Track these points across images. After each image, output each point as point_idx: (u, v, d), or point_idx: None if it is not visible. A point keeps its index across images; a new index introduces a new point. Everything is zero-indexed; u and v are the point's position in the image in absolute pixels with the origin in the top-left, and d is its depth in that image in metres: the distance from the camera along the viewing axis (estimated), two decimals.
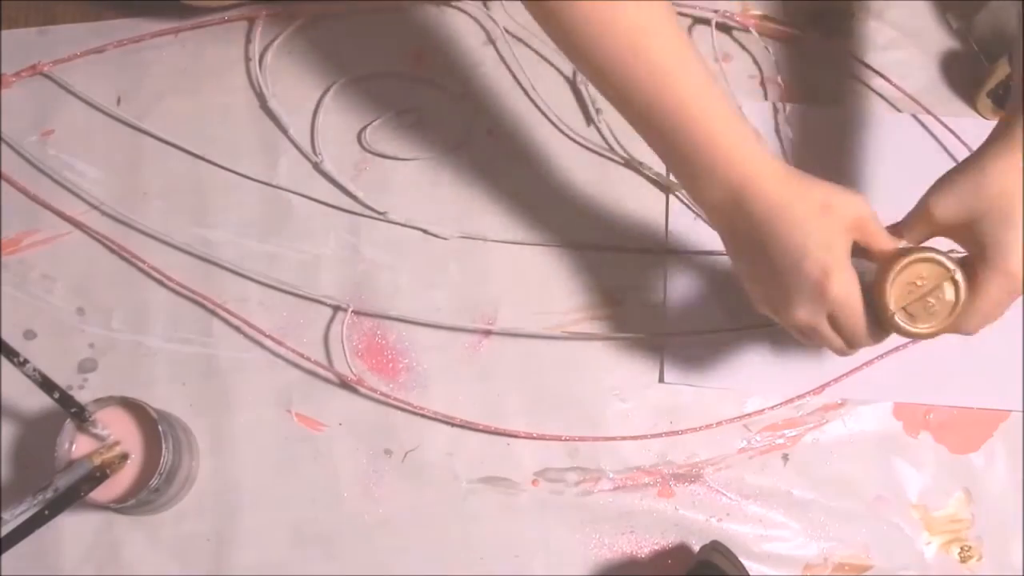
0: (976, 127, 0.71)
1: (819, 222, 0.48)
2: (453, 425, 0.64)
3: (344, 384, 0.64)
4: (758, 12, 0.73)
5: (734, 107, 0.50)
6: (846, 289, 0.48)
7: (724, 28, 0.73)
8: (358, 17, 0.72)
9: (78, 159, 0.68)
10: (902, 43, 0.74)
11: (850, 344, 0.51)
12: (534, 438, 0.64)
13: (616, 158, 0.69)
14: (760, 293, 0.53)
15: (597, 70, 0.51)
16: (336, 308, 0.66)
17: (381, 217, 0.68)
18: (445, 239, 0.68)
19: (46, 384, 0.54)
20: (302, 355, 0.64)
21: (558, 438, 0.64)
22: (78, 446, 0.57)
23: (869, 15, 0.74)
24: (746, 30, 0.72)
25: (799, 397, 0.65)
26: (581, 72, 0.54)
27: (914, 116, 0.72)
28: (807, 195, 0.49)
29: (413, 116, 0.70)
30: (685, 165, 0.51)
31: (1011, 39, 0.70)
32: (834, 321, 0.50)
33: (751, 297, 0.54)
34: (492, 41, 0.72)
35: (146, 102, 0.70)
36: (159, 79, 0.70)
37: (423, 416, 0.64)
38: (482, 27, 0.72)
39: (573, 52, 0.52)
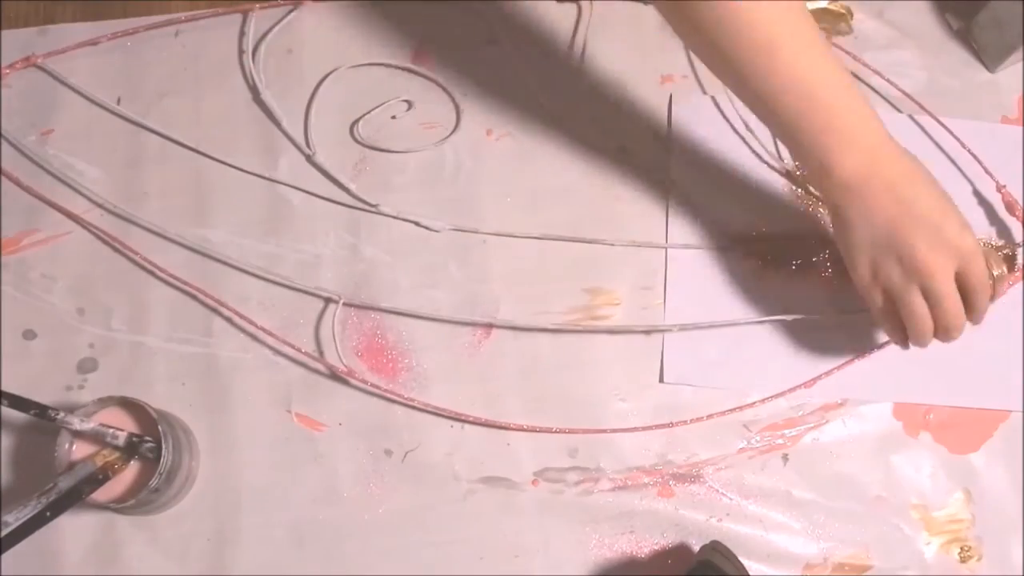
0: (974, 129, 0.71)
1: (944, 191, 0.56)
2: (446, 417, 0.64)
3: (336, 377, 0.64)
4: None
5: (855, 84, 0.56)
6: (978, 245, 0.55)
7: None
8: (357, 10, 0.72)
9: (78, 158, 0.68)
10: (902, 43, 0.74)
11: (953, 316, 0.56)
12: (525, 430, 0.64)
13: (611, 152, 0.70)
14: (889, 258, 0.56)
15: (730, 65, 0.55)
16: (328, 300, 0.66)
17: (372, 209, 0.68)
18: (437, 231, 0.68)
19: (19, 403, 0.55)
20: (296, 348, 0.64)
21: (548, 430, 0.64)
22: (78, 447, 0.57)
23: (868, 15, 0.74)
24: None
25: (791, 390, 0.65)
26: (714, 71, 0.58)
27: (911, 117, 0.72)
28: (923, 165, 0.57)
29: (410, 110, 0.70)
30: (820, 139, 0.55)
31: (1012, 40, 0.70)
32: (961, 279, 0.56)
33: (859, 262, 0.58)
34: (490, 40, 0.72)
35: (146, 102, 0.70)
36: (159, 79, 0.70)
37: (415, 409, 0.64)
38: (480, 24, 0.72)
39: (707, 51, 0.56)
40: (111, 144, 0.69)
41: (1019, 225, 0.69)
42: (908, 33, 0.74)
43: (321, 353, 0.65)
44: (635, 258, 0.68)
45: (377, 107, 0.70)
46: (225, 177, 0.69)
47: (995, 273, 0.59)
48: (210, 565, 0.61)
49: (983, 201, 0.70)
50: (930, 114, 0.71)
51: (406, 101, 0.70)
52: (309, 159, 0.69)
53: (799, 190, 0.70)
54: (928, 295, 0.56)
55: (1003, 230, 0.70)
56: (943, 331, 0.57)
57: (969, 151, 0.70)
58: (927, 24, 0.74)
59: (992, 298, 0.59)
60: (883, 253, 0.56)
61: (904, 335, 0.59)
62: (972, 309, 0.57)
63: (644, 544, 0.63)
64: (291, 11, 0.72)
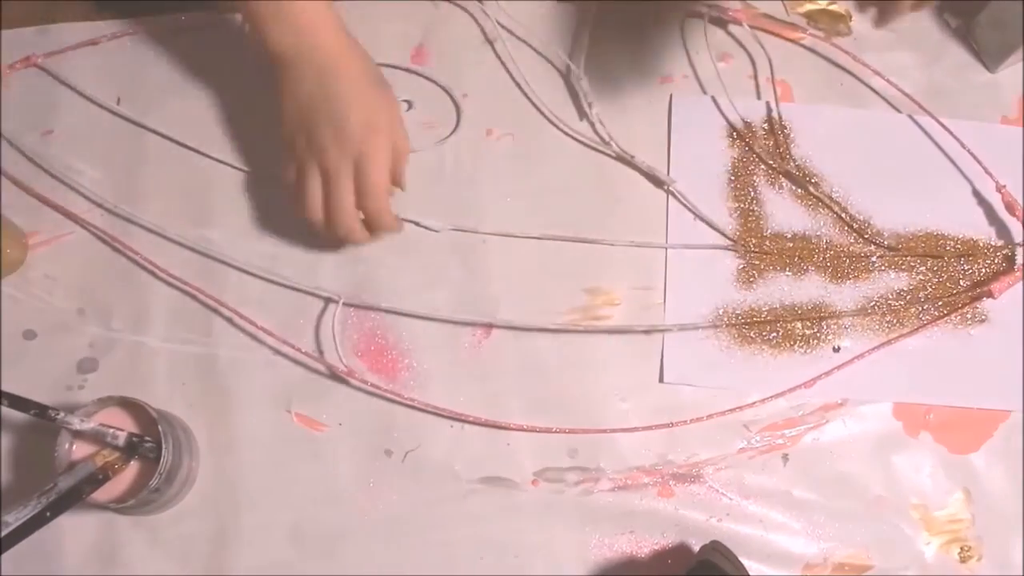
0: (975, 129, 0.71)
1: (374, 89, 0.60)
2: (446, 417, 0.64)
3: (335, 376, 0.64)
4: (756, 10, 0.73)
5: None
6: (381, 144, 0.58)
7: (719, 23, 0.73)
8: (357, 10, 0.72)
9: (78, 159, 0.68)
10: (901, 44, 0.74)
11: (363, 203, 0.60)
12: (524, 430, 0.64)
13: (610, 152, 0.70)
14: (301, 133, 0.60)
15: None
16: (328, 300, 0.66)
17: None
18: (437, 231, 0.68)
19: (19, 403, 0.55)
20: (296, 347, 0.64)
21: (548, 430, 0.64)
22: (78, 447, 0.57)
23: (868, 15, 0.74)
24: (738, 23, 0.72)
25: (791, 390, 0.65)
26: None
27: (910, 117, 0.72)
28: (368, 63, 0.61)
29: (410, 110, 0.70)
30: (258, 8, 0.59)
31: (1012, 40, 0.70)
32: (358, 174, 0.59)
33: (287, 139, 0.61)
34: (490, 40, 0.72)
35: (146, 102, 0.70)
36: (159, 79, 0.70)
37: (416, 409, 0.64)
38: (480, 24, 0.72)
39: None
40: (111, 144, 0.69)
41: (1018, 225, 0.69)
42: (907, 34, 0.74)
43: (321, 353, 0.65)
44: (635, 258, 0.68)
45: None
46: (225, 177, 0.69)
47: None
48: (210, 565, 0.61)
49: (982, 201, 0.70)
50: (931, 115, 0.71)
51: (406, 101, 0.70)
52: None
53: (799, 190, 0.70)
54: (323, 180, 0.59)
55: (1002, 230, 0.70)
56: (330, 219, 0.60)
57: (968, 151, 0.70)
58: (926, 25, 0.74)
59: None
60: (299, 128, 0.60)
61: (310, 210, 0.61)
62: (364, 212, 0.60)
63: (644, 544, 0.63)
64: None
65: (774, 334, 0.67)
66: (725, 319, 0.66)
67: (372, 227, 0.62)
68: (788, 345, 0.66)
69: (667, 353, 0.66)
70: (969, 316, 0.67)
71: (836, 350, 0.66)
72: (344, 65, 0.59)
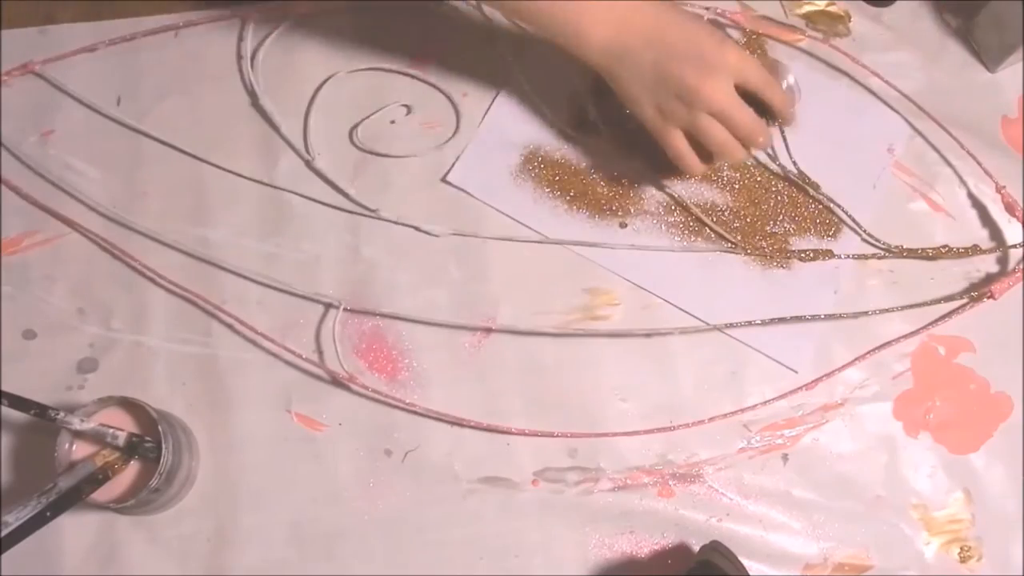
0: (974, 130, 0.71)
1: (693, 25, 0.60)
2: (446, 422, 0.64)
3: (336, 382, 0.64)
4: (755, 12, 0.73)
5: None
6: (742, 52, 0.59)
7: (716, 26, 0.73)
8: (356, 14, 0.72)
9: (78, 159, 0.69)
10: (900, 45, 0.74)
11: (733, 129, 0.60)
12: (526, 434, 0.63)
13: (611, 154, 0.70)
14: (665, 95, 0.60)
15: None
16: (328, 306, 0.66)
17: (372, 215, 0.68)
18: (437, 236, 0.68)
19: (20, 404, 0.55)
20: (297, 354, 0.64)
21: (551, 434, 0.64)
22: (78, 447, 0.57)
23: (867, 16, 0.74)
24: (738, 27, 0.72)
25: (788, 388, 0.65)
26: None
27: (907, 119, 0.72)
28: (670, 10, 0.60)
29: (409, 113, 0.70)
30: (570, 19, 0.59)
31: (1012, 39, 0.70)
32: (744, 88, 0.60)
33: (647, 112, 0.62)
34: (493, 40, 0.72)
35: (146, 103, 0.70)
36: (158, 80, 0.70)
37: (415, 413, 0.64)
38: (481, 24, 0.72)
39: None
40: (111, 144, 0.69)
41: (1017, 225, 0.69)
42: (906, 34, 0.74)
43: (321, 354, 0.65)
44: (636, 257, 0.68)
45: (377, 111, 0.70)
46: (225, 177, 0.69)
47: (789, 81, 0.66)
48: (210, 565, 0.61)
49: (977, 203, 0.70)
50: (930, 116, 0.71)
51: (405, 105, 0.70)
52: (308, 165, 0.69)
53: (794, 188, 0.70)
54: (717, 117, 0.60)
55: (995, 232, 0.69)
56: (747, 140, 0.61)
57: (968, 152, 0.70)
58: (926, 25, 0.74)
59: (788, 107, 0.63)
60: (663, 97, 0.60)
61: (705, 160, 0.63)
62: (772, 109, 0.62)
63: (644, 544, 0.63)
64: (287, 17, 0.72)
65: (573, 190, 0.68)
66: (539, 155, 0.69)
67: (748, 142, 0.62)
68: (581, 206, 0.68)
69: (465, 156, 0.68)
70: (775, 260, 0.68)
71: (622, 226, 0.68)
72: (661, 19, 0.59)
